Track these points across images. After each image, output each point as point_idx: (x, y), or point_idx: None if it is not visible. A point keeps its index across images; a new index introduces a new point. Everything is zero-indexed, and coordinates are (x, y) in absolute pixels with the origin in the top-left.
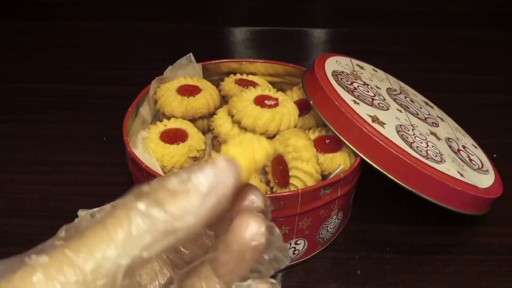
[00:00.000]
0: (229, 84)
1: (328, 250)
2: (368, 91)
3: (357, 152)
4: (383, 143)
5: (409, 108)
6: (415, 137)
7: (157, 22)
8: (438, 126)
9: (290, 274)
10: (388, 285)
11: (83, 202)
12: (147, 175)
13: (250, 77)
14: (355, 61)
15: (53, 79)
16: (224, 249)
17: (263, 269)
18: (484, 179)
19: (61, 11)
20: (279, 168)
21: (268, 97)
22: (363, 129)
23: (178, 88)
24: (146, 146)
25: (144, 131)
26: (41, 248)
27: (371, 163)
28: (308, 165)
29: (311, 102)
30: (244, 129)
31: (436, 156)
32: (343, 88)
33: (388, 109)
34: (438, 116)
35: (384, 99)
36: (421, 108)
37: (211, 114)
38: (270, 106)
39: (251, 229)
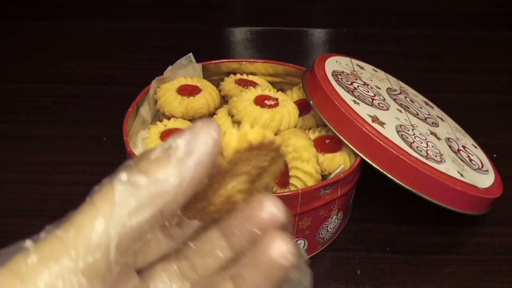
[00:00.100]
0: (229, 84)
1: (328, 250)
2: (368, 91)
3: (357, 152)
4: (383, 143)
5: (409, 108)
6: (415, 137)
7: (157, 22)
8: (438, 126)
9: None
10: (388, 285)
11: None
12: None
13: (250, 77)
14: (355, 61)
15: (53, 79)
16: (250, 265)
17: None
18: (484, 179)
19: (61, 11)
20: None
21: (268, 97)
22: (363, 129)
23: (178, 88)
24: (146, 146)
25: (144, 131)
26: (36, 235)
27: (371, 163)
28: (308, 165)
29: (311, 102)
30: None
31: (436, 156)
32: (343, 88)
33: (388, 109)
34: (438, 116)
35: (384, 99)
36: (421, 108)
37: (211, 114)
38: (270, 106)
39: (281, 248)
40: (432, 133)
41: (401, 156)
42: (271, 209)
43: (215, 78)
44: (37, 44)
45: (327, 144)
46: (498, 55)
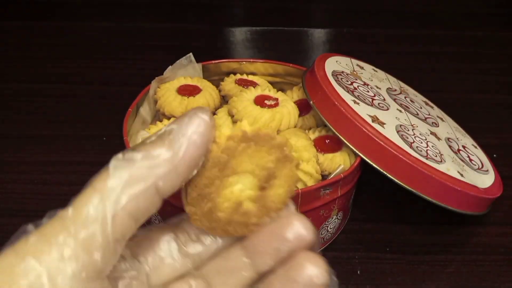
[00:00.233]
0: (229, 84)
1: (328, 250)
2: (368, 91)
3: (357, 152)
4: (383, 143)
5: (409, 108)
6: (415, 137)
7: (157, 22)
8: (438, 126)
9: None
10: (388, 285)
11: None
12: None
13: (250, 77)
14: (355, 61)
15: (53, 79)
16: (282, 285)
17: None
18: (484, 179)
19: (61, 11)
20: None
21: (268, 97)
22: (363, 129)
23: (178, 88)
24: None
25: (144, 131)
26: (39, 220)
27: (371, 163)
28: (308, 165)
29: (311, 102)
30: None
31: (436, 156)
32: (343, 88)
33: (388, 109)
34: (438, 116)
35: (384, 99)
36: (421, 108)
37: (211, 114)
38: (270, 106)
39: (315, 269)
40: (432, 133)
41: (401, 156)
42: (299, 229)
43: (215, 78)
44: (37, 44)
45: (327, 144)
46: (498, 55)
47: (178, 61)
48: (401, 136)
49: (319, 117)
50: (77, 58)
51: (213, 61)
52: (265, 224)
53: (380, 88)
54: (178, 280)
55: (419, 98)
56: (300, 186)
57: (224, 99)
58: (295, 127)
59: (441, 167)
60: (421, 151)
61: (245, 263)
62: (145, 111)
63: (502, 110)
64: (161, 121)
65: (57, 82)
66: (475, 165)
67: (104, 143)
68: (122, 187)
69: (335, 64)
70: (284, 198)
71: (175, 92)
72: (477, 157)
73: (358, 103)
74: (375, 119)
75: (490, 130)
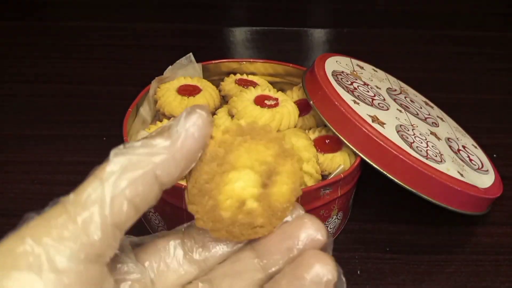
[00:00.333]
0: (229, 84)
1: None
2: (368, 91)
3: (357, 152)
4: (383, 143)
5: (409, 108)
6: (415, 137)
7: (157, 22)
8: (438, 126)
9: None
10: (388, 285)
11: None
12: None
13: (250, 77)
14: (355, 61)
15: (53, 79)
16: (290, 282)
17: None
18: (484, 179)
19: (60, 11)
20: None
21: (268, 97)
22: (363, 129)
23: (178, 88)
24: None
25: (144, 131)
26: (42, 210)
27: (371, 163)
28: (308, 165)
29: (311, 102)
30: None
31: (436, 156)
32: (343, 88)
33: (388, 109)
34: (438, 116)
35: (384, 99)
36: (421, 108)
37: (211, 114)
38: (270, 106)
39: (324, 269)
40: (432, 133)
41: (401, 156)
42: (312, 230)
43: (215, 78)
44: (37, 44)
45: (327, 144)
46: (498, 55)
47: (178, 61)
48: (401, 136)
49: (319, 117)
50: (77, 58)
51: (213, 61)
52: (273, 230)
53: (380, 88)
54: (184, 286)
55: (419, 98)
56: None
57: (224, 99)
58: (295, 127)
59: (441, 167)
60: (421, 151)
61: (255, 265)
62: (145, 111)
63: (502, 110)
64: (161, 121)
65: (57, 82)
66: (475, 165)
67: (104, 143)
68: (120, 172)
69: (335, 64)
70: (289, 196)
71: (175, 92)
72: (477, 157)
73: (358, 103)
74: (375, 119)
75: (490, 130)
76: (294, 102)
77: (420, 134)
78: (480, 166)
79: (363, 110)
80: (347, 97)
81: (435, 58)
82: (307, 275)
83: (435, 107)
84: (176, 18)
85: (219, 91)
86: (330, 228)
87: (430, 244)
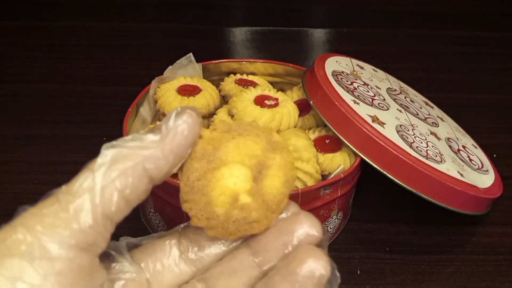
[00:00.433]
0: (229, 84)
1: (328, 250)
2: (368, 91)
3: (357, 152)
4: (383, 143)
5: (409, 108)
6: (415, 137)
7: (157, 22)
8: (438, 126)
9: None
10: (388, 285)
11: None
12: None
13: (250, 77)
14: (355, 61)
15: (53, 79)
16: (283, 277)
17: None
18: (484, 179)
19: (60, 11)
20: None
21: (268, 97)
22: (363, 129)
23: (178, 88)
24: None
25: (144, 131)
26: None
27: (371, 163)
28: (308, 165)
29: (311, 102)
30: None
31: (436, 156)
32: (343, 88)
33: (388, 109)
34: (438, 116)
35: (384, 99)
36: (421, 108)
37: (211, 114)
38: (270, 106)
39: (317, 264)
40: (432, 133)
41: (401, 156)
42: (307, 226)
43: (215, 78)
44: (37, 44)
45: (327, 144)
46: (498, 55)
47: (178, 61)
48: (401, 136)
49: (319, 117)
50: (77, 58)
51: (213, 61)
52: (269, 225)
53: (380, 88)
54: (180, 286)
55: (419, 98)
56: (300, 186)
57: (224, 99)
58: (295, 127)
59: (441, 167)
60: (421, 151)
61: (250, 262)
62: (145, 111)
63: (502, 110)
64: (161, 121)
65: (57, 82)
66: (475, 165)
67: (104, 143)
68: (110, 163)
69: (335, 64)
70: (282, 188)
71: (175, 92)
72: (477, 157)
73: (358, 103)
74: (375, 119)
75: (490, 130)
76: (294, 102)
77: (420, 134)
78: (480, 166)
79: (363, 110)
80: (347, 97)
81: (435, 58)
82: (300, 270)
83: (435, 107)
84: (176, 18)
85: (219, 91)
86: (330, 228)
87: (430, 244)
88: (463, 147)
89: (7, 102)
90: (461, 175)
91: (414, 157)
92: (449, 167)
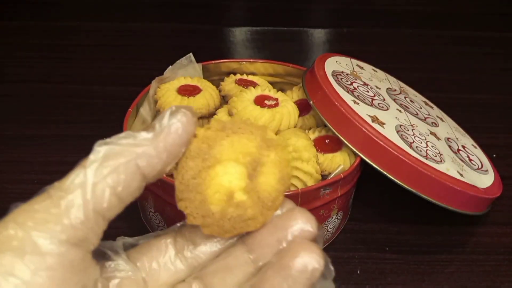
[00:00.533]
0: (229, 84)
1: (328, 250)
2: (368, 91)
3: (357, 152)
4: (383, 143)
5: (408, 108)
6: (414, 137)
7: (157, 22)
8: (437, 126)
9: None
10: (388, 285)
11: None
12: None
13: (250, 77)
14: (355, 61)
15: (53, 79)
16: (276, 272)
17: None
18: (484, 179)
19: (60, 11)
20: None
21: (268, 97)
22: (363, 129)
23: (178, 88)
24: None
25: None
26: None
27: (371, 163)
28: (308, 165)
29: (311, 102)
30: None
31: (435, 156)
32: (343, 88)
33: (388, 109)
34: (437, 116)
35: (384, 99)
36: (420, 108)
37: (211, 114)
38: (270, 106)
39: (310, 257)
40: (431, 133)
41: (400, 156)
42: (301, 222)
43: (215, 78)
44: (37, 44)
45: (327, 144)
46: (498, 55)
47: (178, 61)
48: (401, 136)
49: (319, 117)
50: (76, 58)
51: (213, 61)
52: (265, 222)
53: (380, 88)
54: (176, 285)
55: (418, 98)
56: (300, 186)
57: (224, 99)
58: (295, 127)
59: (440, 167)
60: (420, 151)
61: (245, 259)
62: (145, 111)
63: (502, 110)
64: None
65: (57, 82)
66: (475, 165)
67: None
68: (102, 159)
69: (335, 64)
70: (277, 185)
71: (175, 92)
72: (477, 157)
73: (358, 103)
74: (375, 119)
75: (490, 130)
76: (294, 102)
77: (419, 134)
78: (480, 166)
79: (363, 110)
80: (347, 97)
81: (435, 58)
82: (292, 264)
83: (434, 107)
84: (176, 18)
85: (219, 91)
86: (330, 228)
87: (430, 244)
88: (463, 147)
89: (7, 102)
90: (461, 175)
91: (414, 157)
92: (449, 167)
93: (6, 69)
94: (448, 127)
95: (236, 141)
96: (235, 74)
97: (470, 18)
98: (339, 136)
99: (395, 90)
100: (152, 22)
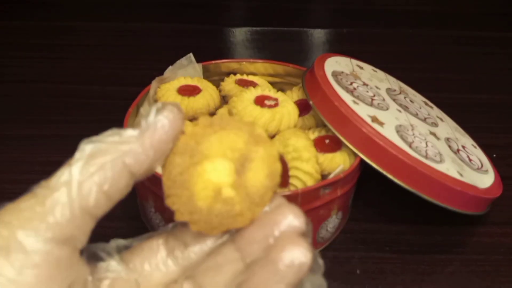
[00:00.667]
0: (229, 84)
1: (328, 249)
2: (367, 91)
3: (357, 152)
4: (383, 143)
5: (408, 108)
6: (414, 137)
7: (157, 22)
8: (437, 126)
9: None
10: (388, 285)
11: None
12: None
13: (250, 77)
14: (354, 61)
15: (53, 79)
16: (263, 267)
17: None
18: (484, 179)
19: (60, 11)
20: None
21: (268, 97)
22: (363, 129)
23: (178, 88)
24: None
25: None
26: None
27: (371, 163)
28: (308, 165)
29: (311, 102)
30: None
31: (435, 156)
32: (343, 88)
33: (387, 109)
34: (437, 116)
35: (384, 99)
36: (420, 108)
37: (211, 114)
38: (270, 106)
39: (297, 251)
40: (431, 133)
41: (400, 156)
42: (290, 217)
43: (215, 78)
44: (37, 44)
45: (327, 144)
46: (498, 55)
47: (178, 61)
48: (401, 136)
49: (319, 117)
50: (77, 58)
51: (213, 61)
52: (254, 218)
53: (379, 88)
54: (168, 285)
55: (418, 98)
56: (300, 186)
57: (224, 99)
58: (295, 127)
59: (440, 167)
60: (420, 151)
61: (235, 256)
62: (145, 111)
63: (502, 110)
64: None
65: (57, 82)
66: (475, 165)
67: None
68: (88, 157)
69: (334, 64)
70: (265, 181)
71: (175, 92)
72: (477, 157)
73: (357, 103)
74: (374, 119)
75: (490, 130)
76: (294, 102)
77: (419, 134)
78: (480, 166)
79: (363, 110)
80: (347, 97)
81: (435, 58)
82: (279, 258)
83: (434, 107)
84: (176, 18)
85: (219, 91)
86: (330, 228)
87: (430, 244)
88: (463, 147)
89: (7, 102)
90: (461, 175)
91: (414, 157)
92: (449, 167)
93: (5, 69)
94: (448, 127)
95: (224, 137)
96: (235, 74)
97: (470, 18)
98: (339, 136)
99: (395, 90)
100: (152, 22)
